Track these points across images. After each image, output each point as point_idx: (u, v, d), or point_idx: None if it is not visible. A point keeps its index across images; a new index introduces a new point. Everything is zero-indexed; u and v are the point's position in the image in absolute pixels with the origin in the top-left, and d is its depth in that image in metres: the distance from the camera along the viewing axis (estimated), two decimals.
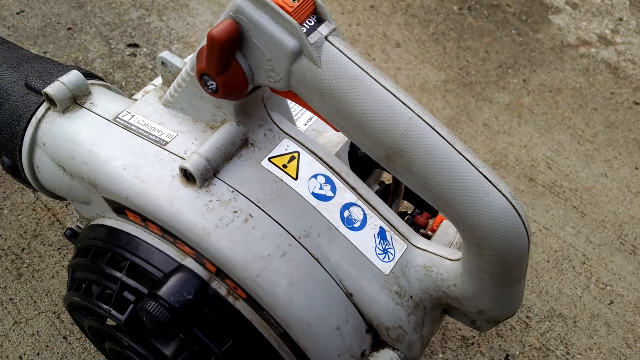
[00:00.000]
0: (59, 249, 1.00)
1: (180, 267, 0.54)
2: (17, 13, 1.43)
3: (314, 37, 0.44)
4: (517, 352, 0.97)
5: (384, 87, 0.44)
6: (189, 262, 0.55)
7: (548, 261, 1.10)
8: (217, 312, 0.54)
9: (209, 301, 0.54)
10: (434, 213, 0.70)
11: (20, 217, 1.04)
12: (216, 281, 0.55)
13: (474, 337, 0.98)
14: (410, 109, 0.44)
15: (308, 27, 0.44)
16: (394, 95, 0.44)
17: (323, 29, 0.45)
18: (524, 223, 0.45)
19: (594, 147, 1.33)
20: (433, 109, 1.36)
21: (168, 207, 0.52)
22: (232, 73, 0.47)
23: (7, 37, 1.35)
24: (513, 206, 0.44)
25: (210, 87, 0.49)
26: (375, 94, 0.44)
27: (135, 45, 1.39)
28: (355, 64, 0.45)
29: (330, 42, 0.45)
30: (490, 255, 0.46)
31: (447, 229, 0.64)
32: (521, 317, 1.02)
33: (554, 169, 1.27)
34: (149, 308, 0.51)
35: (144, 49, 1.39)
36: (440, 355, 0.96)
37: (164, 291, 0.52)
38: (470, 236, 0.46)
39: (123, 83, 1.30)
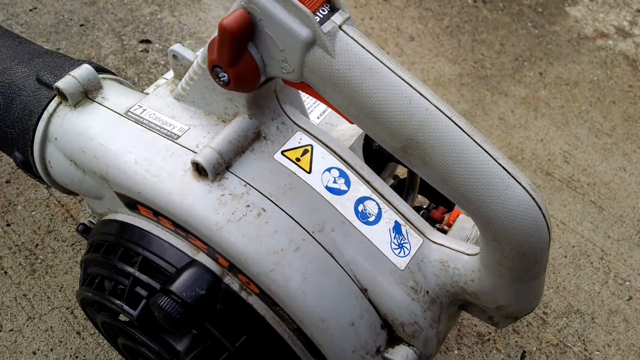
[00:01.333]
0: (72, 244, 1.00)
1: (192, 262, 0.54)
2: (30, 10, 1.43)
3: (327, 26, 0.43)
4: (534, 348, 0.96)
5: (399, 77, 0.43)
6: (202, 257, 0.54)
7: (565, 256, 1.08)
8: (230, 307, 0.54)
9: (222, 296, 0.53)
10: (449, 207, 0.69)
11: (34, 213, 1.04)
12: (229, 276, 0.54)
13: (489, 333, 0.96)
14: (427, 99, 0.43)
15: (321, 16, 0.43)
16: (410, 86, 0.43)
17: (337, 18, 0.44)
18: (544, 216, 0.43)
19: (612, 141, 1.30)
20: (448, 103, 1.34)
21: (180, 201, 0.51)
22: (244, 64, 0.46)
23: (20, 34, 1.36)
24: (533, 199, 0.43)
25: (222, 78, 0.48)
26: (391, 84, 0.43)
27: (148, 41, 1.39)
28: (370, 53, 0.43)
29: (344, 31, 0.44)
30: (509, 249, 0.45)
31: (463, 223, 0.63)
32: (538, 313, 1.00)
33: (572, 163, 1.25)
34: (162, 303, 0.51)
35: (157, 45, 1.38)
36: (456, 352, 0.94)
37: (176, 286, 0.51)
38: (489, 230, 0.45)
39: (136, 79, 1.30)
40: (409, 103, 0.43)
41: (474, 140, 0.43)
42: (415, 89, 0.43)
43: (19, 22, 1.40)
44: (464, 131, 0.43)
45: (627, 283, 1.06)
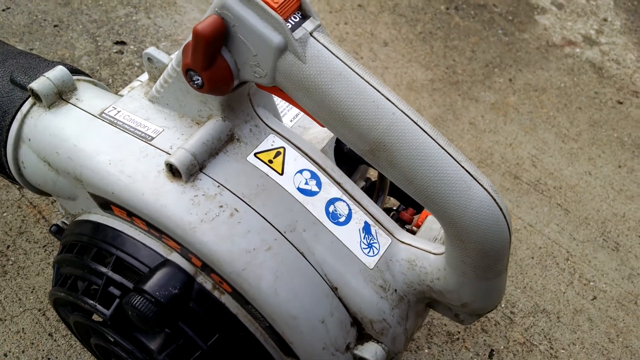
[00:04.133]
0: (44, 246, 1.00)
1: (166, 262, 0.55)
2: (3, 10, 1.42)
3: (298, 33, 0.44)
4: (502, 347, 0.99)
5: (368, 82, 0.45)
6: (175, 257, 0.55)
7: (532, 257, 1.12)
8: (202, 306, 0.55)
9: (195, 295, 0.54)
10: (419, 209, 0.71)
11: (5, 214, 1.03)
12: (202, 275, 0.55)
13: (459, 332, 0.99)
14: (393, 104, 0.45)
15: (293, 23, 0.45)
16: (378, 91, 0.45)
17: (308, 25, 0.45)
18: (505, 216, 0.46)
19: (578, 146, 1.35)
20: (420, 108, 1.37)
21: (154, 201, 0.52)
22: (217, 68, 0.47)
23: None
24: (494, 200, 0.45)
25: (196, 82, 0.49)
26: (359, 89, 0.45)
27: (123, 43, 1.39)
28: (340, 59, 0.45)
29: (315, 38, 0.45)
30: (472, 248, 0.47)
31: (431, 224, 0.65)
32: (505, 312, 1.03)
33: (539, 167, 1.28)
34: (135, 302, 0.51)
35: (131, 47, 1.38)
36: (426, 350, 0.96)
37: (149, 285, 0.52)
38: (453, 229, 0.47)
39: (110, 80, 1.30)
40: (376, 108, 0.44)
41: (438, 144, 0.44)
42: (382, 95, 0.45)
43: None
44: (428, 135, 0.45)
45: (591, 283, 1.09)
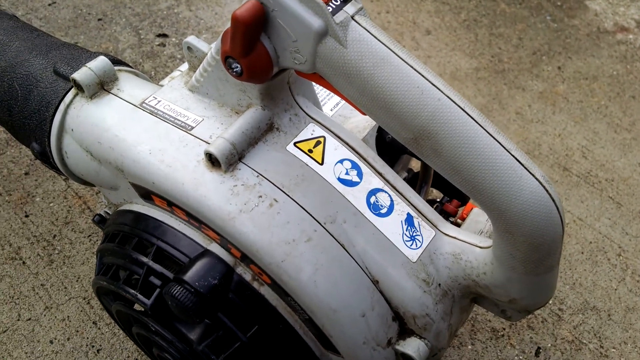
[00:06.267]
0: (89, 235, 1.02)
1: (205, 252, 0.54)
2: (49, 4, 1.45)
3: (339, 17, 0.43)
4: (549, 345, 0.95)
5: (412, 67, 0.43)
6: (214, 247, 0.54)
7: (582, 253, 1.07)
8: (242, 297, 0.54)
9: (234, 286, 0.54)
10: (463, 201, 0.69)
11: (51, 204, 1.06)
12: (241, 266, 0.54)
13: (504, 329, 0.96)
14: (439, 89, 0.43)
15: (334, 6, 0.43)
16: (423, 76, 0.43)
17: (349, 8, 0.44)
18: (557, 208, 0.43)
19: (632, 136, 1.28)
20: (464, 98, 1.33)
21: (193, 191, 0.51)
22: (256, 55, 0.46)
23: (40, 28, 1.37)
24: (546, 190, 0.42)
25: (234, 69, 0.48)
26: (403, 74, 0.43)
27: (165, 36, 1.40)
28: (383, 43, 0.43)
29: (356, 21, 0.43)
30: (522, 241, 0.44)
31: (477, 217, 0.62)
32: (553, 309, 0.99)
33: (590, 159, 1.23)
34: (175, 292, 0.51)
35: (173, 39, 1.39)
36: (470, 347, 0.94)
37: (189, 276, 0.52)
38: (502, 222, 0.44)
39: (152, 73, 1.31)
40: (420, 94, 0.42)
41: (487, 131, 0.42)
42: (427, 80, 0.43)
43: (37, 16, 1.42)
44: (476, 122, 0.42)
45: None
